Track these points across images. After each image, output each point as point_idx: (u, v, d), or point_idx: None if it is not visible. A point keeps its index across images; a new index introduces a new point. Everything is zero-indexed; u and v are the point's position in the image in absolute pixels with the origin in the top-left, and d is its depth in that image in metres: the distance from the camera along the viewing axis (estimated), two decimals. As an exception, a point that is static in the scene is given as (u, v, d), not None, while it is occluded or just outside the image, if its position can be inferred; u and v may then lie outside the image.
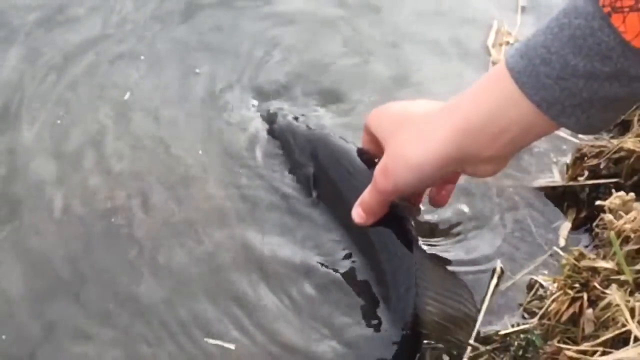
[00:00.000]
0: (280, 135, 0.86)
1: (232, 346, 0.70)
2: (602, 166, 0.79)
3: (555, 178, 0.81)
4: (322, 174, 0.79)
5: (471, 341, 0.68)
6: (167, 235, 0.78)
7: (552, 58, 0.53)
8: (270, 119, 0.89)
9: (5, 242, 0.77)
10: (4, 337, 0.70)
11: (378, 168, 0.67)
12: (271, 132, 0.87)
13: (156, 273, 0.76)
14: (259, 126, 0.88)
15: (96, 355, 0.70)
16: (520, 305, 0.71)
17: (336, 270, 0.74)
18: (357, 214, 0.71)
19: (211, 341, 0.71)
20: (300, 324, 0.71)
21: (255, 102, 0.92)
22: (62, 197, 0.81)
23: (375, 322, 0.70)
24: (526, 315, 0.70)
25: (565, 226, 0.78)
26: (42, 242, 0.77)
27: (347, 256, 0.76)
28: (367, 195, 0.70)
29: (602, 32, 0.50)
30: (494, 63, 0.92)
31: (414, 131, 0.64)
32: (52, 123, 0.88)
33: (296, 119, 0.87)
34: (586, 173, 0.79)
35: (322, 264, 0.75)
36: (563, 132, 0.83)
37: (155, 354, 0.70)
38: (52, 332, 0.71)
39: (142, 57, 0.96)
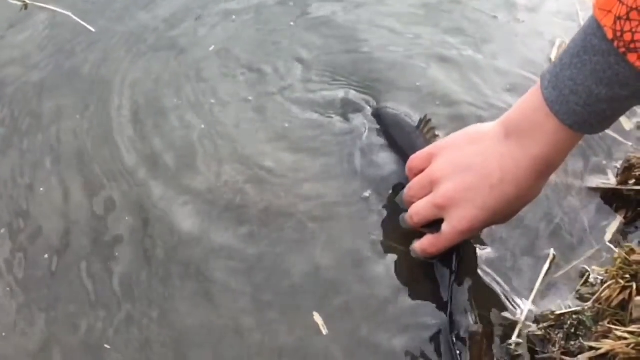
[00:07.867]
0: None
1: (325, 331, 0.75)
2: (648, 175, 0.85)
3: (611, 181, 0.86)
4: None
5: (522, 318, 0.75)
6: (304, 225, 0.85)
7: (579, 89, 0.62)
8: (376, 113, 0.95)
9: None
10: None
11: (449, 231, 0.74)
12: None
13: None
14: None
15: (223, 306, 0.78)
16: (573, 290, 0.77)
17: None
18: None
19: (317, 318, 0.76)
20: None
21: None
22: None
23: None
24: (578, 300, 0.76)
25: (615, 223, 0.83)
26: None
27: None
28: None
29: (619, 65, 0.59)
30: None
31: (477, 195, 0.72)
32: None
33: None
34: (634, 180, 0.85)
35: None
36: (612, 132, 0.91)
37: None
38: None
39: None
